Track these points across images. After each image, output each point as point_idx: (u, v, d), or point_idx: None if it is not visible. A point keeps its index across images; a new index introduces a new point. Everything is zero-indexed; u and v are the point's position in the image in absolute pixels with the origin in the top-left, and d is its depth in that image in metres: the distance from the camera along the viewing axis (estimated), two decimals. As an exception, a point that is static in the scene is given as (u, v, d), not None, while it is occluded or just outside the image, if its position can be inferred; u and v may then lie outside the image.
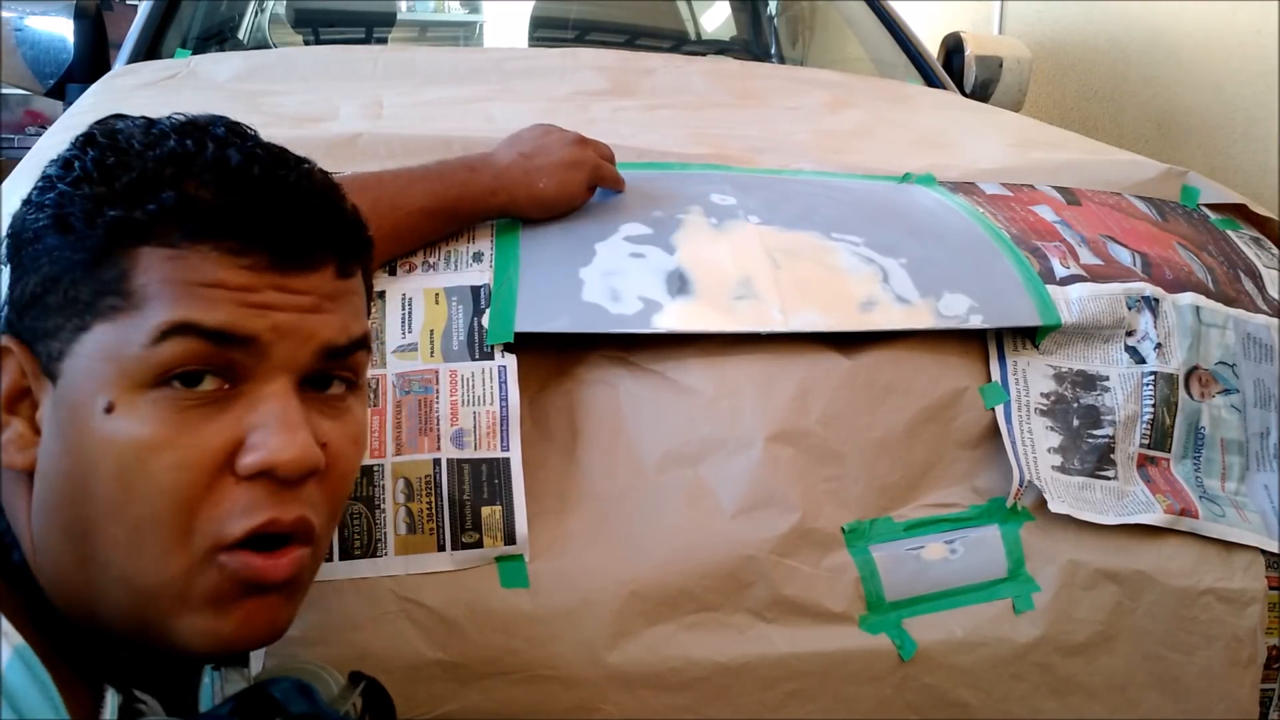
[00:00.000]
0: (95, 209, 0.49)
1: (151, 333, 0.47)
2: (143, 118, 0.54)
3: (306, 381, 0.51)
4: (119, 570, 0.48)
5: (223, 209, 0.49)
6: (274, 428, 0.48)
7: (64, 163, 0.52)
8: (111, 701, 0.49)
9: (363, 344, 0.54)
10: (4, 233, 0.52)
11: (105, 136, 0.52)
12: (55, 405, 0.49)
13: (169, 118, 0.54)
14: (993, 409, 0.86)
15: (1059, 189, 1.08)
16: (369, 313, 0.58)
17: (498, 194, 0.85)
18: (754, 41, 2.38)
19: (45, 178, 0.52)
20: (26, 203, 0.52)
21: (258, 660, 0.68)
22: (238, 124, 0.54)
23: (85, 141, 0.52)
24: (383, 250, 0.81)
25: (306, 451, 0.49)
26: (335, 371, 0.53)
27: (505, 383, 0.78)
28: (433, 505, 0.75)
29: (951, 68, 1.99)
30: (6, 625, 0.45)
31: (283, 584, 0.50)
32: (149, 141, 0.51)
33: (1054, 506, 0.82)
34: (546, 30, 2.11)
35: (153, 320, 0.47)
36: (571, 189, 0.88)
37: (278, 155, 0.52)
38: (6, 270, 0.52)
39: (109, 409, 0.47)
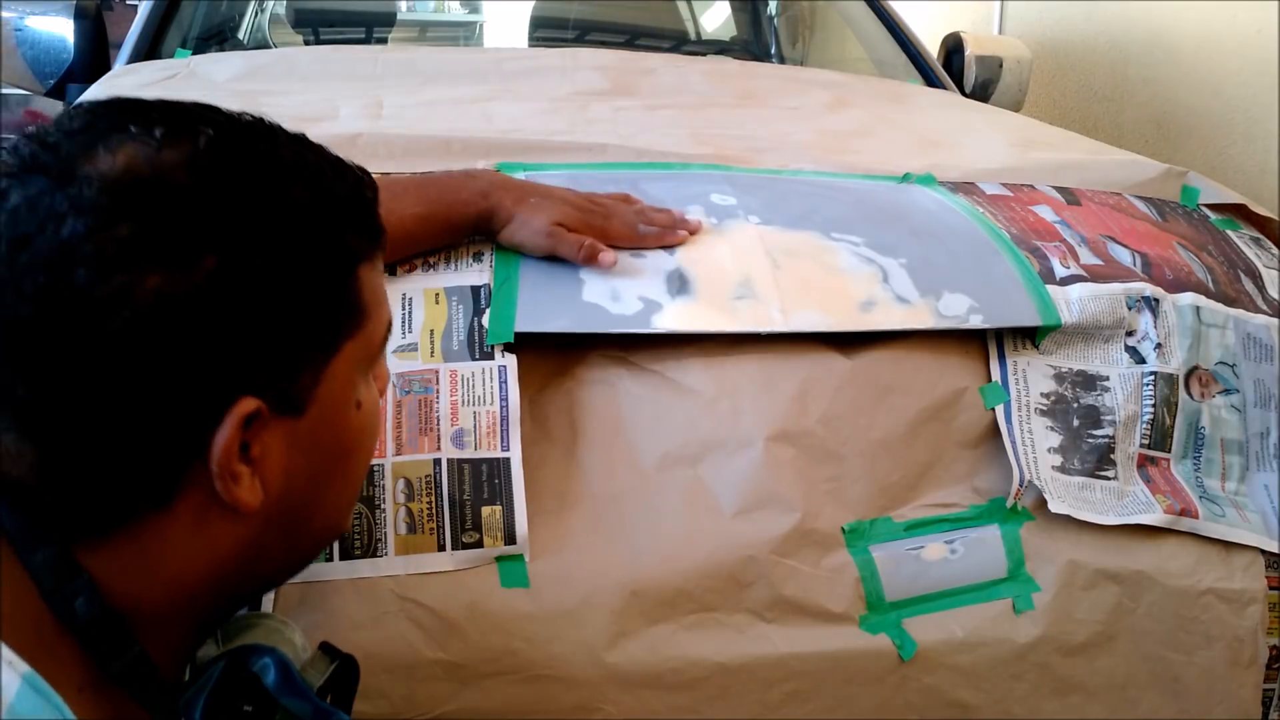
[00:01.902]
0: (327, 244, 0.51)
1: (383, 332, 0.55)
2: (251, 135, 0.51)
3: None
4: (328, 521, 0.56)
5: (376, 219, 0.55)
6: (382, 364, 0.59)
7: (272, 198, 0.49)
8: None
9: None
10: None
11: (272, 166, 0.50)
12: (294, 431, 0.50)
13: (248, 129, 0.51)
14: (993, 409, 0.86)
15: (1059, 189, 1.08)
16: None
17: (488, 196, 0.84)
18: (754, 41, 2.38)
19: (284, 201, 0.49)
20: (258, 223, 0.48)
21: None
22: (284, 127, 0.54)
23: (268, 174, 0.50)
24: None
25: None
26: None
27: (505, 383, 0.78)
28: (433, 505, 0.75)
29: (951, 68, 1.99)
30: (10, 654, 0.43)
31: None
32: (301, 164, 0.52)
33: (1054, 506, 0.82)
34: (546, 30, 2.11)
35: (382, 321, 0.55)
36: (560, 213, 0.84)
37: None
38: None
39: (357, 404, 0.54)
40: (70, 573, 0.47)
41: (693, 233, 0.88)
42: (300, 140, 0.53)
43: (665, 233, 0.87)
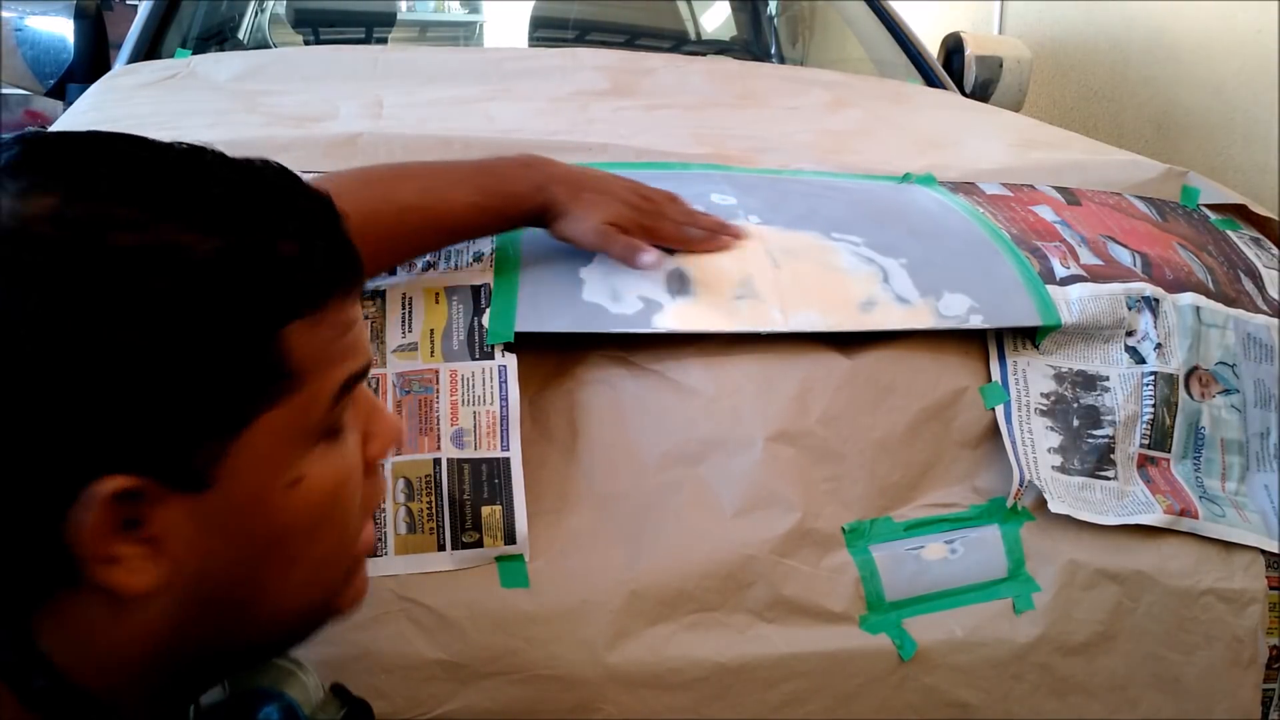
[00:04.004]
0: (228, 306, 0.43)
1: (327, 401, 0.47)
2: (172, 172, 0.45)
3: None
4: (290, 608, 0.50)
5: (331, 259, 0.48)
6: (376, 414, 0.53)
7: (165, 250, 0.42)
8: None
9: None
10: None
11: (185, 204, 0.44)
12: (201, 509, 0.45)
13: (186, 156, 0.46)
14: (993, 409, 0.86)
15: (1059, 189, 1.08)
16: None
17: (544, 190, 0.81)
18: (754, 41, 2.38)
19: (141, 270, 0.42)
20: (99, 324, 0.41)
21: None
22: (240, 158, 0.48)
23: (163, 224, 0.43)
24: (430, 243, 0.82)
25: (399, 421, 0.55)
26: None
27: (505, 382, 0.78)
28: (433, 505, 0.75)
29: (951, 68, 1.99)
30: None
31: None
32: (230, 202, 0.45)
33: (1054, 506, 0.82)
34: (546, 30, 2.11)
35: (328, 386, 0.47)
36: (614, 211, 0.82)
37: (299, 183, 0.49)
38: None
39: (293, 483, 0.47)
40: (25, 649, 0.45)
41: (739, 239, 0.87)
42: (235, 177, 0.46)
43: (711, 237, 0.86)
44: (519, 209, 0.81)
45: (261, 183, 0.47)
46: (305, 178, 0.50)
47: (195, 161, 0.46)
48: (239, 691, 0.55)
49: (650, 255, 0.81)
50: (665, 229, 0.84)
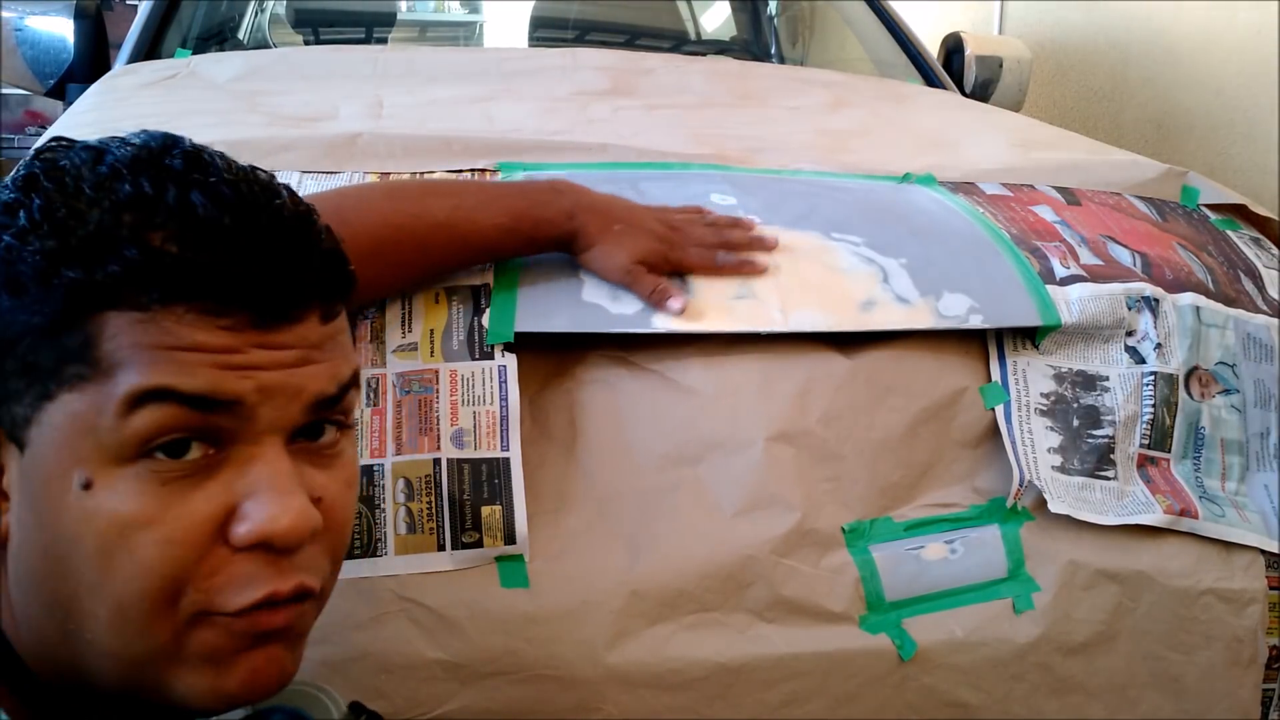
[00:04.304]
0: (50, 268, 0.44)
1: (124, 401, 0.43)
2: (90, 147, 0.48)
3: (298, 433, 0.48)
4: (104, 645, 0.46)
5: (194, 267, 0.44)
6: (266, 495, 0.45)
7: (5, 208, 0.46)
8: None
9: (353, 384, 0.51)
10: None
11: (50, 178, 0.46)
12: (24, 474, 0.46)
13: (120, 146, 0.48)
14: (993, 409, 0.86)
15: (1059, 189, 1.08)
16: (354, 340, 0.55)
17: (573, 218, 0.80)
18: (754, 41, 2.38)
19: None
20: None
21: None
22: (198, 150, 0.48)
23: (28, 183, 0.46)
24: (454, 261, 0.80)
25: (302, 518, 0.46)
26: (327, 418, 0.49)
27: (505, 382, 0.78)
28: (433, 505, 0.75)
29: (951, 68, 1.99)
30: None
31: (282, 631, 0.48)
32: (100, 183, 0.45)
33: (1054, 506, 0.82)
34: (546, 30, 2.11)
35: (123, 388, 0.43)
36: (643, 247, 0.81)
37: (246, 194, 0.47)
38: None
39: (86, 485, 0.44)
40: None
41: (769, 250, 0.87)
42: (125, 164, 0.46)
43: (743, 264, 0.85)
44: (546, 234, 0.80)
45: (193, 181, 0.46)
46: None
47: (161, 146, 0.47)
48: (259, 712, 0.54)
49: (678, 302, 0.81)
50: (692, 259, 0.83)
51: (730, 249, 0.85)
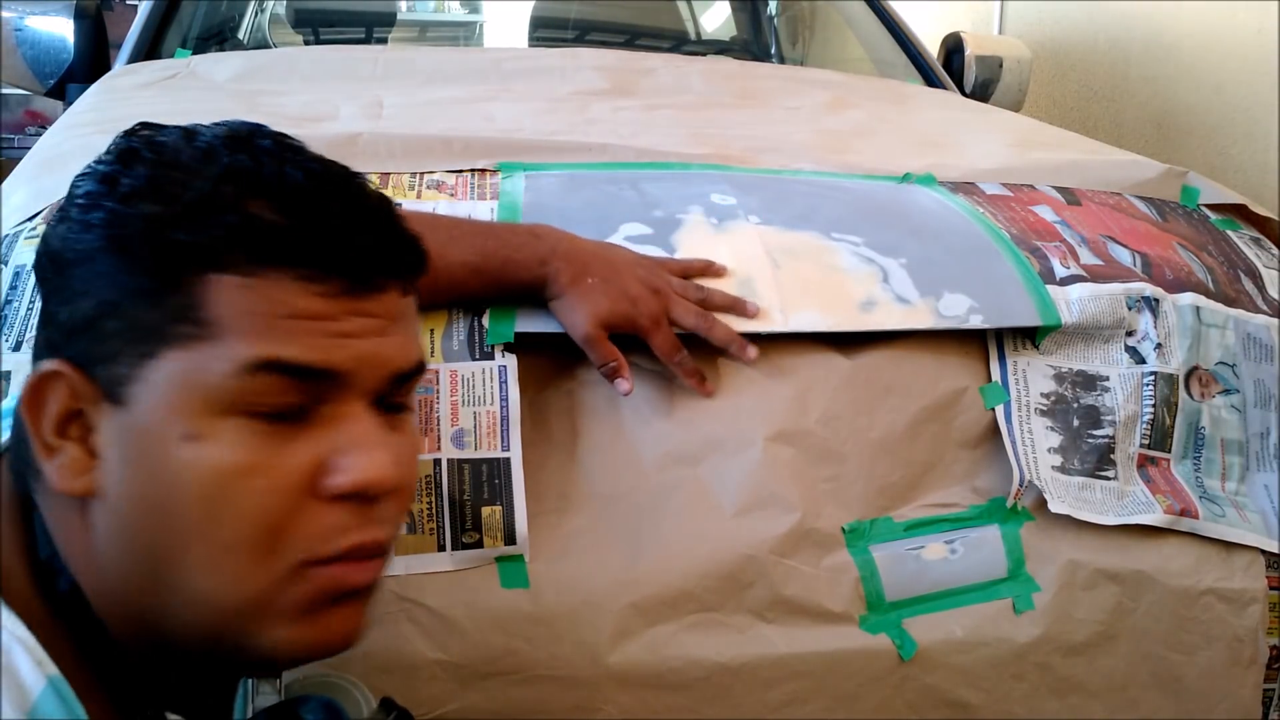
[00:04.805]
0: (156, 232, 0.47)
1: (238, 366, 0.47)
2: (180, 128, 0.51)
3: (375, 401, 0.51)
4: (198, 591, 0.48)
5: (295, 233, 0.48)
6: (361, 449, 0.49)
7: (105, 178, 0.49)
8: None
9: (422, 368, 0.54)
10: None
11: (150, 149, 0.49)
12: (122, 430, 0.48)
13: (209, 128, 0.51)
14: (993, 409, 0.86)
15: (1059, 189, 1.08)
16: None
17: (545, 264, 0.77)
18: (754, 41, 2.38)
19: (86, 194, 0.49)
20: (63, 219, 0.50)
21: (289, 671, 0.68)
22: (282, 134, 0.52)
23: (127, 154, 0.49)
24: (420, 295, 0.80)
25: (392, 469, 0.50)
26: (395, 397, 0.53)
27: (505, 383, 0.78)
28: (433, 505, 0.75)
29: (951, 68, 1.99)
30: (41, 654, 0.44)
31: (364, 589, 0.51)
32: (200, 156, 0.49)
33: (1054, 506, 0.82)
34: (546, 30, 2.11)
35: (238, 354, 0.47)
36: (613, 309, 0.77)
37: (335, 171, 0.51)
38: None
39: (190, 436, 0.47)
40: (50, 545, 0.49)
41: (747, 360, 0.81)
42: (220, 141, 0.50)
43: (734, 348, 0.80)
44: (516, 278, 0.78)
45: (285, 158, 0.49)
46: None
47: (236, 131, 0.51)
48: (289, 700, 0.56)
49: (625, 384, 0.78)
50: (659, 341, 0.79)
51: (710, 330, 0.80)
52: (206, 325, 0.47)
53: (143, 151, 0.49)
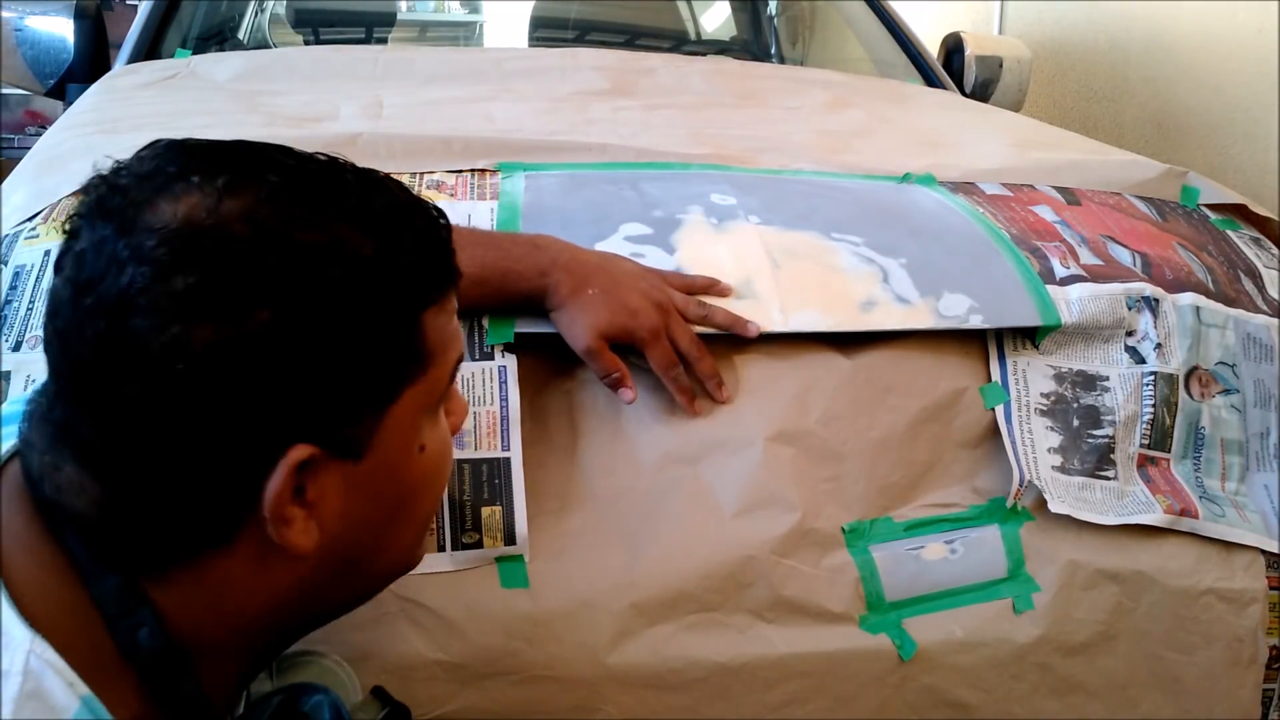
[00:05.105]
0: (391, 294, 0.50)
1: (447, 375, 0.55)
2: (317, 180, 0.51)
3: None
4: (396, 561, 0.58)
5: (447, 254, 0.55)
6: (456, 398, 0.61)
7: (324, 252, 0.48)
8: None
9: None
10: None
11: (348, 219, 0.50)
12: (353, 475, 0.51)
13: (326, 170, 0.52)
14: (993, 409, 0.86)
15: (1059, 189, 1.08)
16: None
17: (546, 275, 0.78)
18: (754, 41, 2.38)
19: (328, 270, 0.48)
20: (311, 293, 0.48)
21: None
22: (359, 166, 0.54)
23: (326, 225, 0.49)
24: None
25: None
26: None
27: (505, 383, 0.78)
28: (433, 505, 0.75)
29: (951, 68, 1.99)
30: (72, 675, 0.45)
31: None
32: (381, 208, 0.52)
33: (1054, 506, 0.82)
34: (546, 30, 2.11)
35: (449, 363, 0.55)
36: (613, 321, 0.78)
37: (410, 191, 0.56)
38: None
39: (423, 447, 0.54)
40: (136, 603, 0.48)
41: (719, 400, 0.81)
42: (371, 183, 0.52)
43: (710, 384, 0.81)
44: (516, 289, 0.78)
45: (391, 191, 0.53)
46: None
47: (340, 170, 0.52)
48: (287, 686, 0.59)
49: (629, 394, 0.79)
50: (657, 354, 0.79)
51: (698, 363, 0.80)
52: (429, 355, 0.53)
53: (347, 227, 0.50)
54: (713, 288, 0.84)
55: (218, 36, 1.91)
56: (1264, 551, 0.87)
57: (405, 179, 0.93)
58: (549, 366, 0.83)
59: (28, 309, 0.79)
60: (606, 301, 0.78)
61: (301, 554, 0.49)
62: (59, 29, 1.69)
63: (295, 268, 0.47)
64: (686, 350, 0.80)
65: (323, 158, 0.53)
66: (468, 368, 0.79)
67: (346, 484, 0.50)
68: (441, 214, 0.55)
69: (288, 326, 0.46)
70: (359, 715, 0.60)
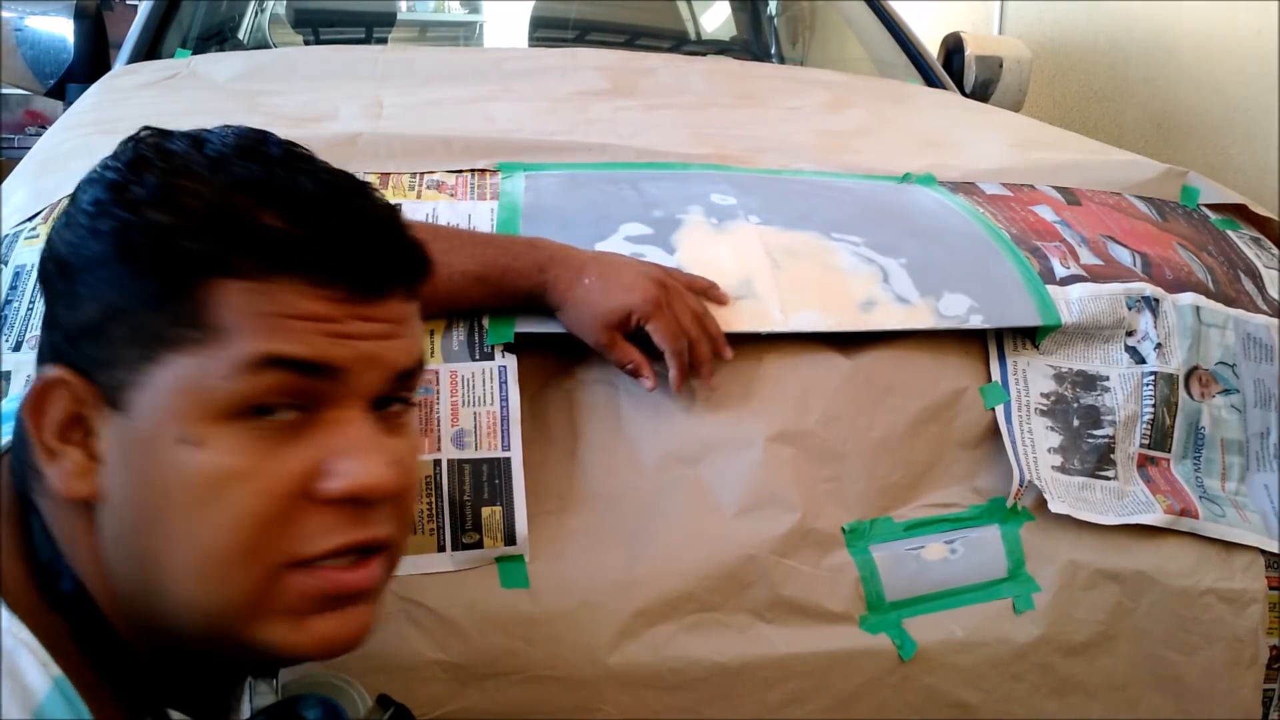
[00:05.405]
0: (166, 240, 0.47)
1: (239, 365, 0.47)
2: (189, 135, 0.52)
3: (375, 403, 0.52)
4: (190, 594, 0.48)
5: (305, 241, 0.49)
6: (358, 454, 0.49)
7: (113, 185, 0.49)
8: None
9: (423, 364, 0.55)
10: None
11: (160, 157, 0.50)
12: (123, 434, 0.48)
13: (217, 135, 0.51)
14: (993, 409, 0.86)
15: (1059, 189, 1.08)
16: None
17: (544, 271, 0.78)
18: (754, 41, 2.38)
19: (94, 201, 0.49)
20: (69, 224, 0.50)
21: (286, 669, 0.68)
22: (290, 143, 0.52)
23: (136, 163, 0.50)
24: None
25: (388, 474, 0.50)
26: (398, 393, 0.53)
27: (506, 383, 0.78)
28: (433, 505, 0.75)
29: (951, 68, 1.99)
30: (45, 656, 0.45)
31: (365, 593, 0.51)
32: (210, 164, 0.49)
33: (1054, 506, 0.82)
34: (546, 30, 2.11)
35: (240, 353, 0.47)
36: (613, 304, 0.77)
37: (344, 180, 0.52)
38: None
39: (185, 441, 0.47)
40: (54, 545, 0.50)
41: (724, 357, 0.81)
42: (285, 159, 0.50)
43: (704, 369, 0.80)
44: (516, 286, 0.78)
45: (297, 167, 0.50)
46: None
47: (258, 138, 0.51)
48: (287, 698, 0.57)
49: (649, 382, 0.79)
50: (662, 324, 0.78)
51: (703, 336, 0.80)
52: (210, 329, 0.47)
53: (153, 159, 0.50)
54: (711, 290, 0.84)
55: (218, 36, 1.91)
56: (1264, 551, 0.87)
57: (405, 179, 0.93)
58: (549, 366, 0.83)
59: (28, 309, 0.79)
60: (604, 286, 0.78)
61: (75, 497, 0.48)
62: (59, 29, 1.68)
63: (84, 198, 0.49)
64: (689, 327, 0.79)
65: (229, 128, 0.52)
66: (468, 368, 0.79)
67: (120, 441, 0.48)
68: (365, 217, 0.51)
69: (81, 248, 0.49)
70: None
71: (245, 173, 0.49)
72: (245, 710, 0.61)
